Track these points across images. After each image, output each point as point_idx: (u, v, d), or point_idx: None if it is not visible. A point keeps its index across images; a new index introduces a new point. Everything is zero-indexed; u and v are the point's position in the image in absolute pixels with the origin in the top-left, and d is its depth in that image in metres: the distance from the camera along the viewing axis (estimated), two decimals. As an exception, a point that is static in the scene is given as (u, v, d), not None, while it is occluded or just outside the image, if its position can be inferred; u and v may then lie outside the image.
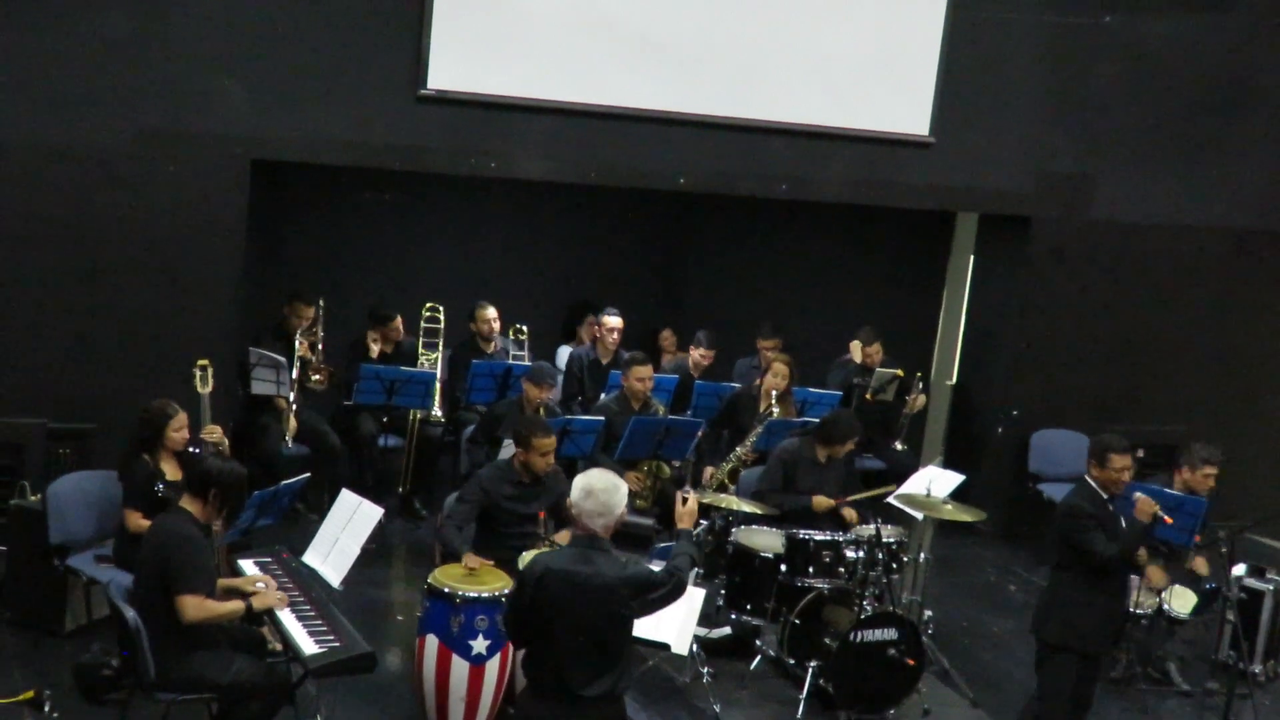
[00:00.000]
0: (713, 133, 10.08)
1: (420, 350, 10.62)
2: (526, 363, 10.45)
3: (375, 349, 10.37)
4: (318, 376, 10.01)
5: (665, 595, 5.51)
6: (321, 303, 10.13)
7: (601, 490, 5.47)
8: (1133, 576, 8.50)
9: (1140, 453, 10.73)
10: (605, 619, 5.33)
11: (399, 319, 10.50)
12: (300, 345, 9.90)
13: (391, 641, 8.14)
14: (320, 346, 10.04)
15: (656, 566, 6.75)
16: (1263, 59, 11.31)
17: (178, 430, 7.52)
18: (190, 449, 7.68)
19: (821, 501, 8.74)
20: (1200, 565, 8.73)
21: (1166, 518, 6.97)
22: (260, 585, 6.68)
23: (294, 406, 9.81)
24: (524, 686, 5.56)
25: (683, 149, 10.07)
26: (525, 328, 11.20)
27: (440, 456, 10.54)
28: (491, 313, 10.74)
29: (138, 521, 7.36)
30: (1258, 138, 11.46)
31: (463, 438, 10.11)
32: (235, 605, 6.42)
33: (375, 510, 7.04)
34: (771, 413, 9.80)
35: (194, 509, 6.40)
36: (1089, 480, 7.04)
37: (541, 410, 9.23)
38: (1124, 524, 6.98)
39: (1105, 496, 6.98)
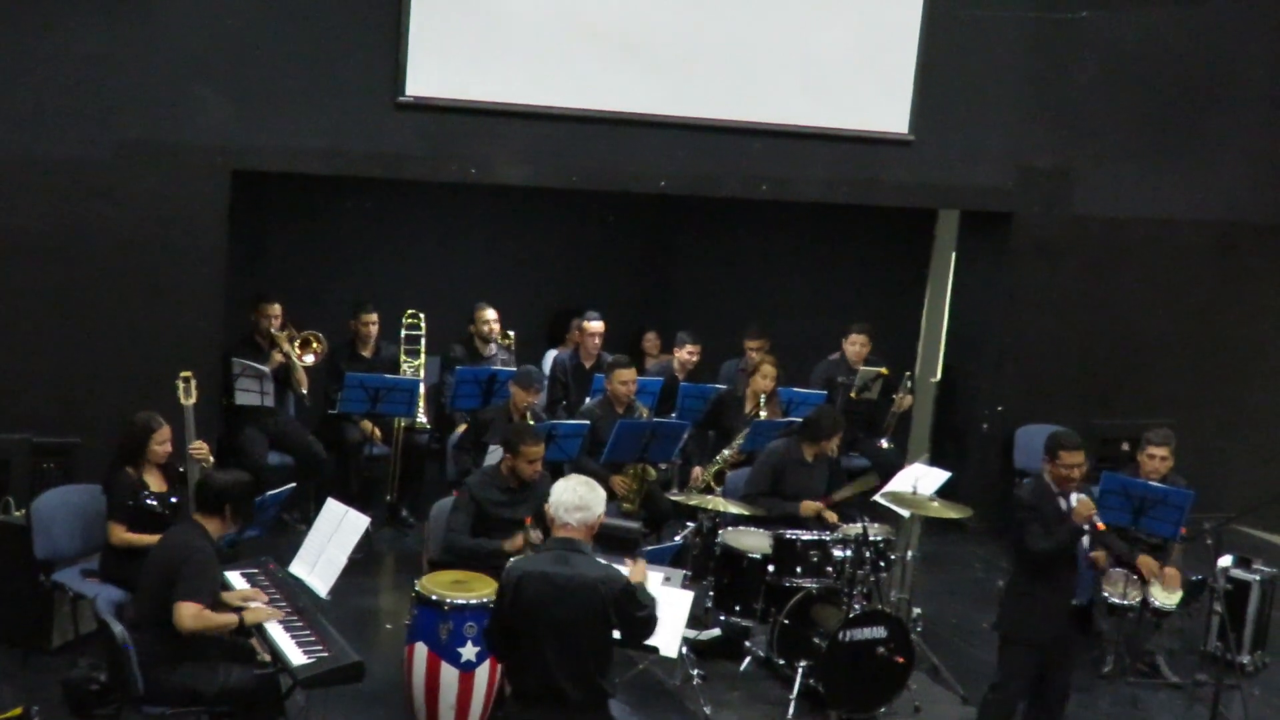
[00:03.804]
0: (693, 135, 10.09)
1: (402, 358, 10.60)
2: (511, 368, 10.43)
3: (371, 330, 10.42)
4: (316, 344, 10.00)
5: (645, 621, 5.50)
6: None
7: (580, 484, 5.53)
8: (1118, 570, 8.56)
9: (1125, 446, 10.86)
10: (586, 618, 5.33)
11: (374, 315, 10.45)
12: (281, 339, 9.87)
13: (380, 650, 8.11)
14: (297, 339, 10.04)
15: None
16: (1240, 52, 11.36)
17: (161, 444, 7.50)
18: (180, 469, 7.68)
19: (809, 506, 8.74)
20: (1172, 578, 8.67)
21: (1100, 524, 7.00)
22: (253, 603, 6.70)
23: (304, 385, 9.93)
24: (510, 693, 5.55)
25: (663, 151, 10.07)
26: (512, 334, 11.18)
27: (427, 464, 10.52)
28: (491, 314, 10.71)
29: (121, 535, 7.36)
30: (1236, 130, 11.50)
31: (449, 444, 10.10)
32: (229, 617, 6.43)
33: (362, 519, 7.03)
34: (759, 414, 9.80)
35: (210, 526, 6.46)
36: (1043, 475, 7.11)
37: (528, 414, 9.23)
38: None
39: (1056, 491, 7.03)
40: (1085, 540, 7.13)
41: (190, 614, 6.18)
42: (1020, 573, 7.13)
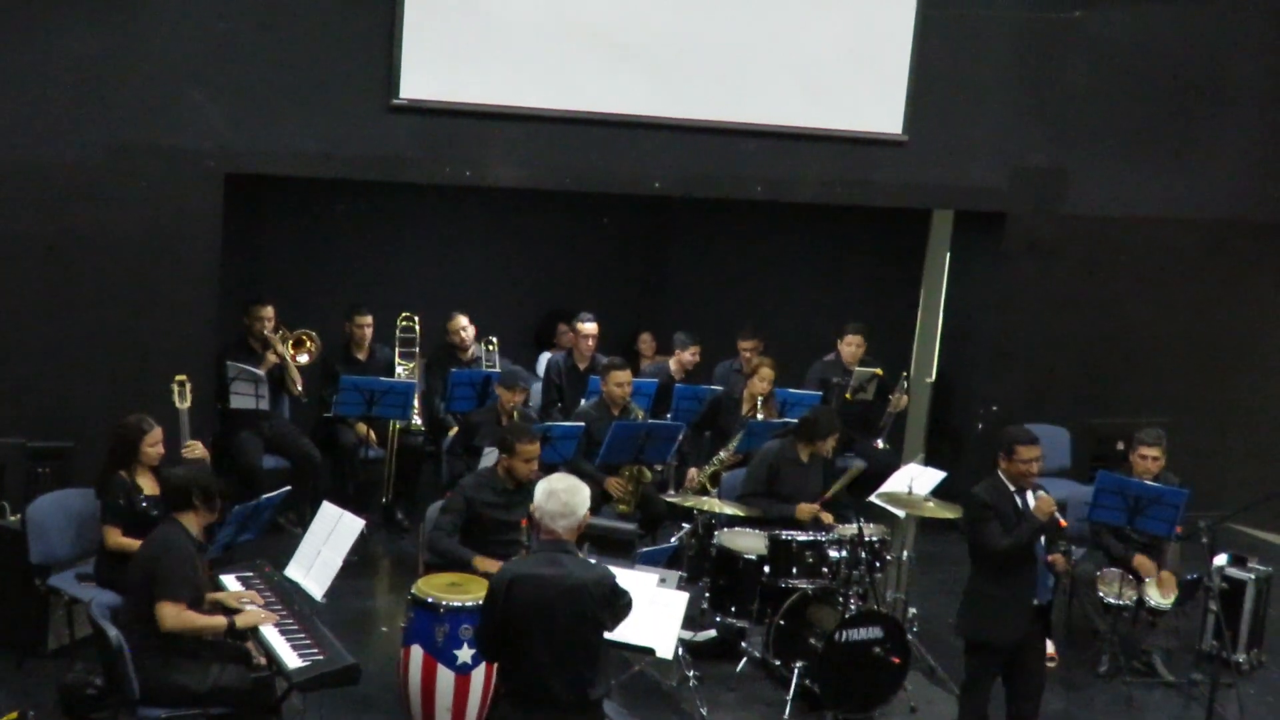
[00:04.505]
0: (687, 136, 10.09)
1: (396, 360, 10.59)
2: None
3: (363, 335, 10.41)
4: (309, 343, 10.02)
5: (625, 607, 5.53)
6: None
7: (563, 490, 5.47)
8: (1113, 570, 8.57)
9: (1120, 445, 10.86)
10: (579, 620, 5.32)
11: (369, 317, 10.45)
12: (274, 340, 9.86)
13: (376, 653, 8.11)
14: (290, 339, 10.03)
15: (638, 571, 6.80)
16: (1232, 50, 11.36)
17: (153, 445, 7.49)
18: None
19: (805, 510, 8.72)
20: (1167, 582, 8.68)
21: (1062, 520, 6.95)
22: (246, 604, 6.70)
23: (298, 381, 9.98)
24: (502, 694, 5.55)
25: (657, 153, 10.07)
26: (495, 339, 11.13)
27: (422, 466, 10.52)
28: (462, 321, 10.72)
29: (116, 539, 7.35)
30: (1229, 129, 11.51)
31: (443, 447, 10.09)
32: (217, 620, 6.42)
33: (357, 522, 7.02)
34: (755, 415, 9.80)
35: (189, 522, 6.47)
36: (999, 473, 7.08)
37: (516, 415, 9.23)
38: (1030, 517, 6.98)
39: (1012, 489, 7.00)
40: (1042, 540, 7.05)
41: (170, 614, 6.22)
42: (979, 574, 7.08)
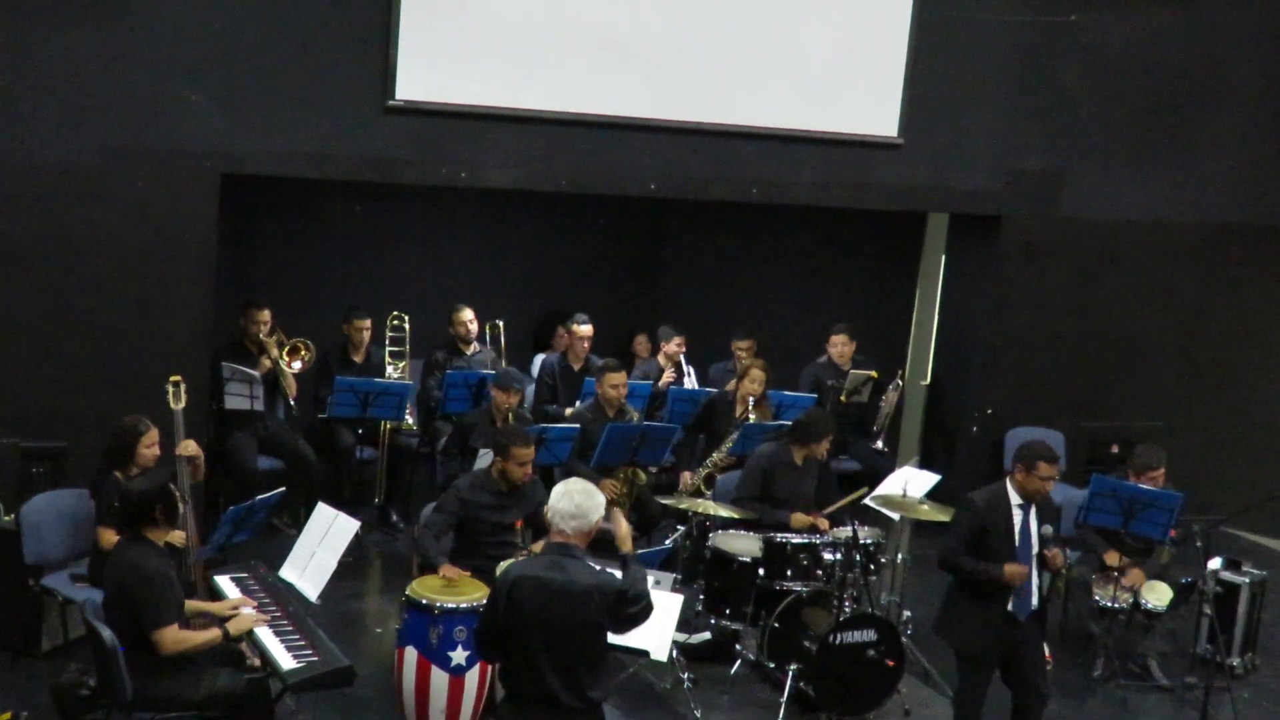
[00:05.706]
0: (683, 138, 10.08)
1: (387, 360, 10.57)
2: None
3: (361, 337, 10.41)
4: (304, 351, 10.03)
5: (639, 614, 5.50)
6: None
7: (578, 493, 5.50)
8: (1111, 572, 8.57)
9: (1114, 448, 10.87)
10: (579, 625, 5.32)
11: (368, 320, 10.43)
12: (269, 345, 9.85)
13: (370, 654, 8.11)
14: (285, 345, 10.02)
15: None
16: (1227, 54, 11.37)
17: (149, 447, 7.48)
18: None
19: (800, 520, 8.69)
20: (1134, 575, 8.69)
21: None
22: (243, 610, 6.66)
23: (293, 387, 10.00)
24: (503, 696, 5.55)
25: (653, 154, 10.07)
26: (500, 323, 11.13)
27: (416, 467, 10.51)
28: (468, 314, 10.70)
29: (110, 539, 7.29)
30: (1224, 132, 11.51)
31: (438, 448, 10.08)
32: (213, 634, 6.38)
33: (352, 523, 7.01)
34: (748, 418, 9.80)
35: (154, 536, 6.36)
36: (1006, 482, 7.03)
37: (511, 416, 9.22)
38: (1032, 535, 6.95)
39: (1015, 503, 6.96)
40: (1035, 543, 6.99)
41: (170, 639, 6.16)
42: (957, 582, 7.09)
